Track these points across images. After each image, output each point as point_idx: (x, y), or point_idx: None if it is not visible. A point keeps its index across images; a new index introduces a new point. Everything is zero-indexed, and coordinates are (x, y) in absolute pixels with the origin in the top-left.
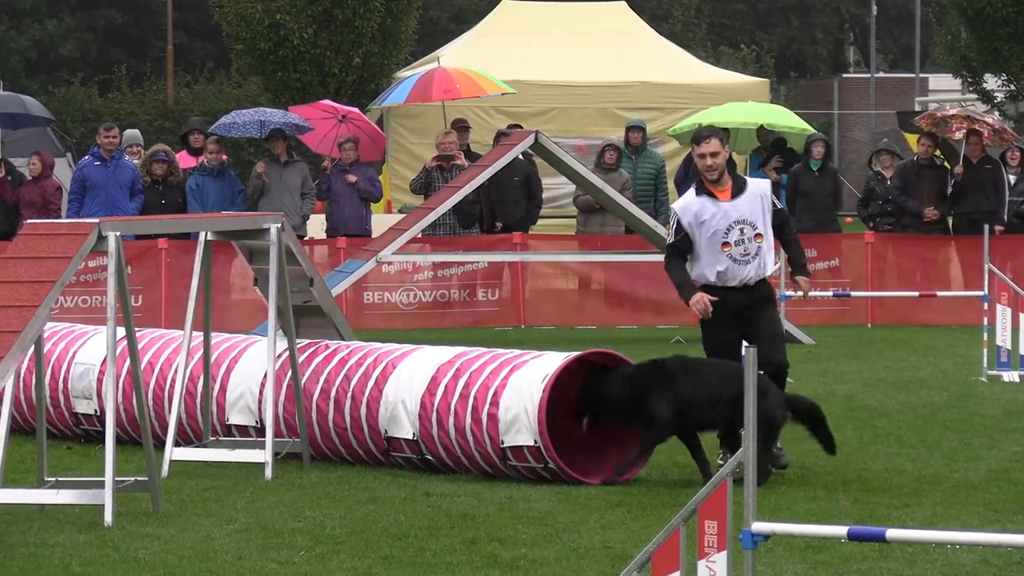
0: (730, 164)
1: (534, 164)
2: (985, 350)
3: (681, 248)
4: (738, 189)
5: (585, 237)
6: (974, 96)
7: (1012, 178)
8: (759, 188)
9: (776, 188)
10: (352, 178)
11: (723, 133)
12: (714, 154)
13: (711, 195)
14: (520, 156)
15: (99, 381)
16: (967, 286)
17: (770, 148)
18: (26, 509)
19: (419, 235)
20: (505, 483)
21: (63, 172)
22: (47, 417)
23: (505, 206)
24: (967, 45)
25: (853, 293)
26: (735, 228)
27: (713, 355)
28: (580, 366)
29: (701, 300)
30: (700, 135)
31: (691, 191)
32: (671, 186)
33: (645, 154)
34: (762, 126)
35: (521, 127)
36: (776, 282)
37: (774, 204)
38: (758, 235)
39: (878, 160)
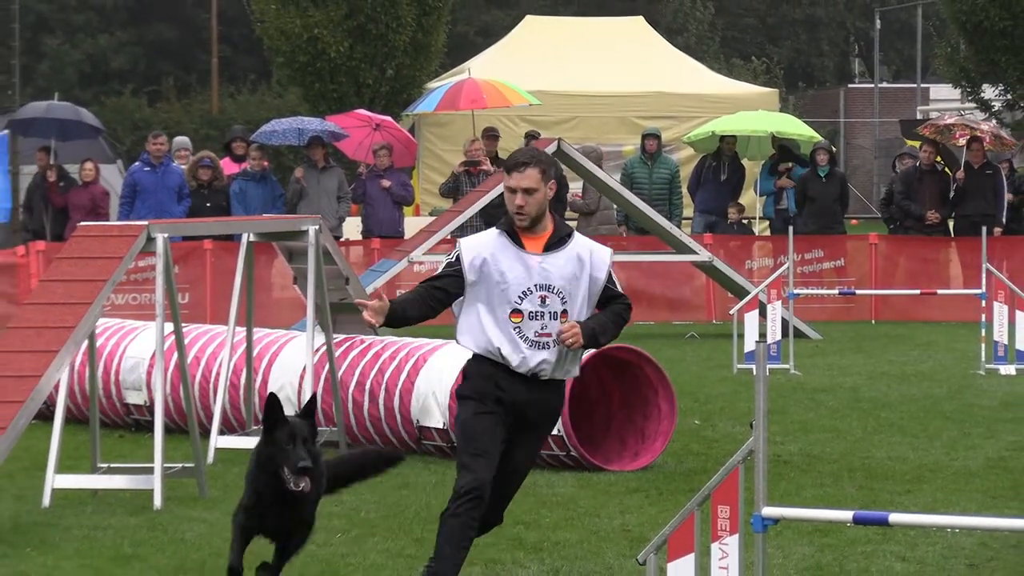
0: (736, 170)
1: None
2: (983, 345)
3: (443, 286)
4: (555, 242)
5: (603, 239)
6: (972, 105)
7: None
8: (587, 250)
9: (780, 194)
10: (386, 183)
11: (548, 162)
12: (527, 191)
13: (516, 240)
14: None
15: (148, 373)
16: (966, 285)
17: (776, 154)
18: (80, 493)
19: (448, 236)
20: (535, 472)
21: (114, 178)
22: (100, 407)
23: None
24: (966, 57)
25: (858, 291)
26: (534, 295)
27: (464, 442)
28: (601, 360)
29: (370, 305)
30: (511, 160)
31: (492, 230)
32: (684, 190)
33: (660, 160)
34: (774, 134)
35: (538, 135)
36: (785, 280)
37: (611, 283)
38: (564, 313)
39: (901, 164)
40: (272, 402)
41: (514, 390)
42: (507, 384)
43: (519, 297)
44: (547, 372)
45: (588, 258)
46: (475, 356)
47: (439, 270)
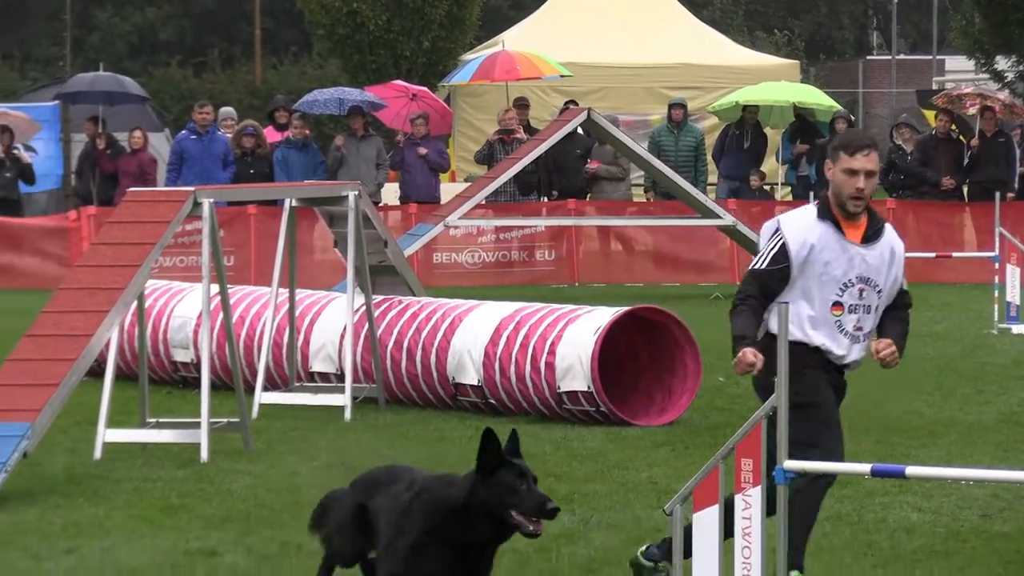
0: (758, 138)
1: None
2: (996, 306)
3: (770, 285)
4: (873, 232)
5: (625, 204)
6: (986, 76)
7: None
8: (895, 244)
9: (800, 161)
10: (422, 150)
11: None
12: (870, 174)
13: (838, 227)
14: (579, 131)
15: (195, 332)
16: (980, 248)
17: (795, 122)
18: (130, 447)
19: (483, 202)
20: (560, 424)
21: (161, 145)
22: (148, 365)
23: (566, 175)
24: (980, 29)
25: None
26: (854, 287)
27: (810, 419)
28: (630, 319)
29: (744, 356)
30: (855, 141)
31: (809, 211)
32: (709, 157)
33: (686, 129)
34: (795, 104)
35: (576, 104)
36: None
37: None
38: (877, 308)
39: (898, 133)
40: (491, 439)
41: (829, 378)
42: (822, 372)
43: (840, 289)
44: (854, 366)
45: (895, 252)
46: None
47: (762, 258)
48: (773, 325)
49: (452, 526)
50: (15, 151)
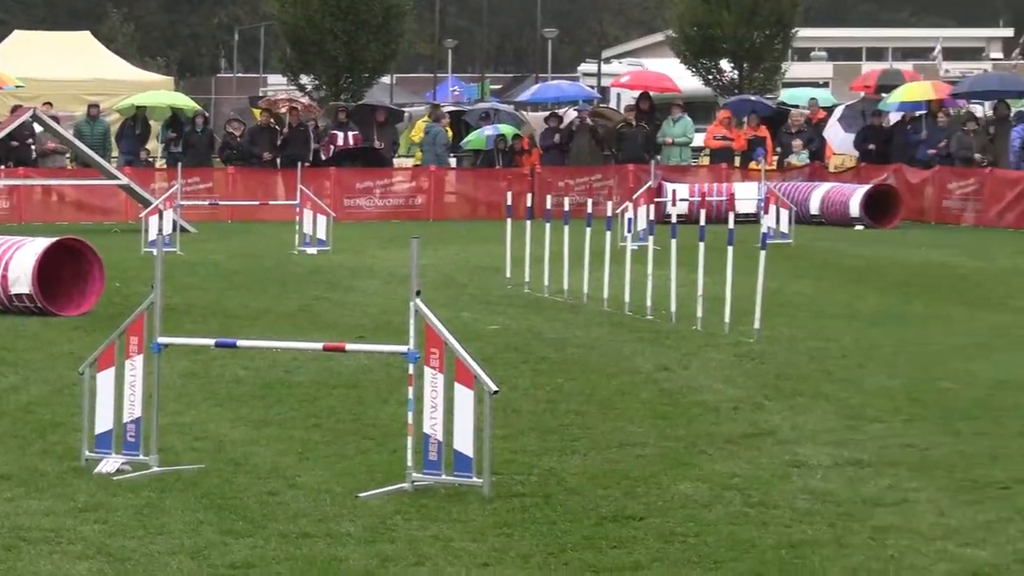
0: (147, 127)
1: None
2: (297, 236)
3: None
4: None
5: (66, 171)
6: (295, 87)
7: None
8: None
9: (169, 143)
10: None
11: None
12: None
13: None
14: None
15: None
16: (287, 198)
17: (170, 117)
18: None
19: None
20: (12, 316)
21: None
22: None
23: (17, 153)
24: (292, 58)
25: (220, 202)
26: None
27: None
28: (59, 246)
29: None
30: None
31: None
32: (114, 140)
33: (98, 121)
34: (170, 106)
35: (22, 106)
36: (175, 195)
37: None
38: None
39: (229, 124)
40: None
41: None
42: None
43: None
44: None
45: None
46: None
47: None
48: None
49: None
50: None
